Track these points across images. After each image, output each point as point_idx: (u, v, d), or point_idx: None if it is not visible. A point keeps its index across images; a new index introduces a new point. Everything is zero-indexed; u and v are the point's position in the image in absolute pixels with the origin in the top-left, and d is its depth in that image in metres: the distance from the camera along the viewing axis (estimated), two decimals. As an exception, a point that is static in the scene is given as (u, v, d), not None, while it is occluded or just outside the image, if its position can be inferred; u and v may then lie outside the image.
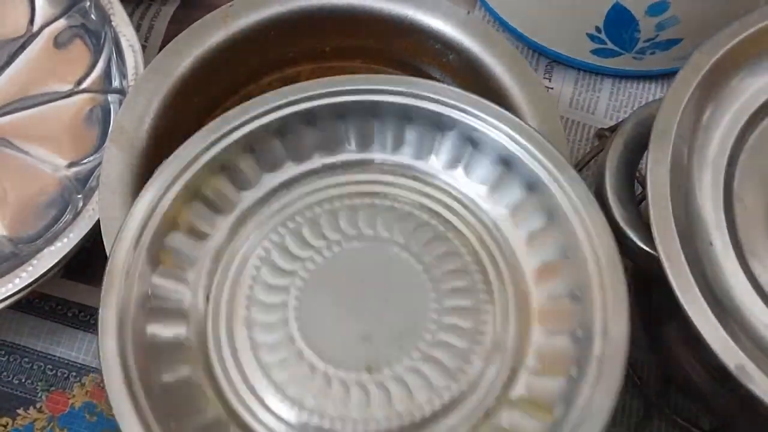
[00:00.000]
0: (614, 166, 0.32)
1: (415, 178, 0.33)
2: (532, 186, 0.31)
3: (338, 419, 0.27)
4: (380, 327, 0.29)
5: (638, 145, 0.33)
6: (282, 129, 0.32)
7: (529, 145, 0.30)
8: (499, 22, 0.48)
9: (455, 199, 0.32)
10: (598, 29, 0.43)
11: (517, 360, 0.29)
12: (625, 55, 0.44)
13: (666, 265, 0.28)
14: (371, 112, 0.32)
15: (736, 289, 0.29)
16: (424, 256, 0.30)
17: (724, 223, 0.30)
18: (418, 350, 0.28)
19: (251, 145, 0.31)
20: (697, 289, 0.27)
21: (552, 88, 0.47)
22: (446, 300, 0.29)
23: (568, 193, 0.29)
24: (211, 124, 0.31)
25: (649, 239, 0.30)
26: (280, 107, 0.31)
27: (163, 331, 0.29)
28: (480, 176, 0.32)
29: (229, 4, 0.38)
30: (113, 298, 0.28)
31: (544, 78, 0.48)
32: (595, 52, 0.45)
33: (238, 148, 0.31)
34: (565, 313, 0.29)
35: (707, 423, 0.38)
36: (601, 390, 0.26)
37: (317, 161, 0.33)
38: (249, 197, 0.32)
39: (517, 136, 0.31)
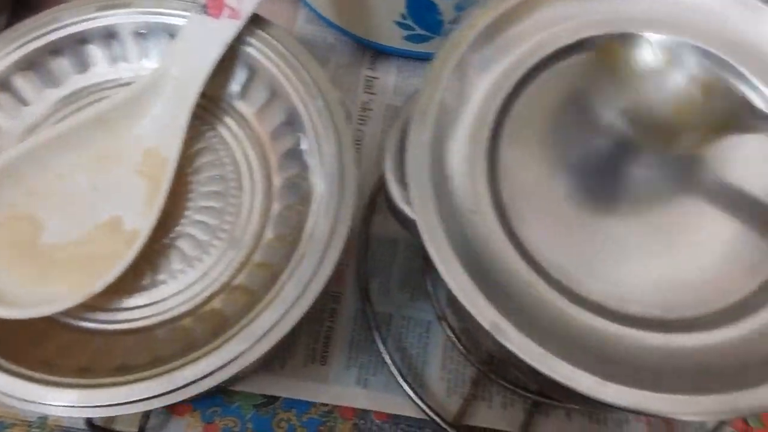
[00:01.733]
0: (393, 147, 0.33)
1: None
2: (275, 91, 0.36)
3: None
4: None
5: (417, 126, 0.34)
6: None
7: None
8: (321, 18, 0.49)
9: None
10: (403, 16, 0.44)
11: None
12: (437, 38, 0.46)
13: (425, 236, 0.29)
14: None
15: (502, 252, 0.30)
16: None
17: (488, 192, 0.31)
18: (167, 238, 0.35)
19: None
20: (452, 255, 0.28)
21: (377, 78, 0.49)
22: (201, 201, 0.36)
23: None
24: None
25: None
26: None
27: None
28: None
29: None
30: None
31: (368, 69, 0.49)
32: (408, 38, 0.46)
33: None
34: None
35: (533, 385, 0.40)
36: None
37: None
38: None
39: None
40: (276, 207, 0.35)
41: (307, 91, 0.35)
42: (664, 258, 0.31)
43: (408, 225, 0.33)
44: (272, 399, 0.41)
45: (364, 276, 0.42)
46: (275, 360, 0.41)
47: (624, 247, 0.31)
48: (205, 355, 0.31)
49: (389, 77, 0.49)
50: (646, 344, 0.29)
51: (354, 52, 0.50)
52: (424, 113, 0.31)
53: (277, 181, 0.36)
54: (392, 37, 0.46)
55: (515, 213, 0.31)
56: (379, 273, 0.44)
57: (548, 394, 0.38)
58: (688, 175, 0.32)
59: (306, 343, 0.41)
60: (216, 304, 0.33)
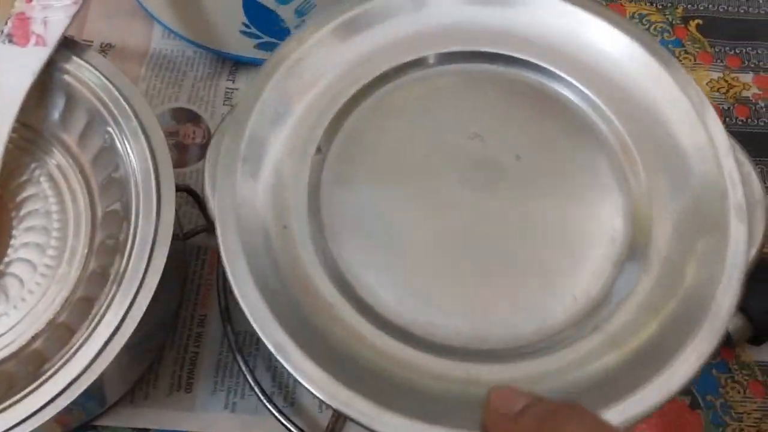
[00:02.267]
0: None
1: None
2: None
3: None
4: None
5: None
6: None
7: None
8: (174, 34, 0.47)
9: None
10: (246, 25, 0.43)
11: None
12: (288, 44, 0.44)
13: (221, 250, 0.28)
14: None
15: (310, 271, 0.29)
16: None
17: (305, 208, 0.30)
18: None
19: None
20: (247, 271, 0.28)
21: (237, 89, 0.47)
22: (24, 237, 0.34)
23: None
24: None
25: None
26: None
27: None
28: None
29: None
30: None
31: (228, 80, 0.48)
32: (259, 47, 0.45)
33: None
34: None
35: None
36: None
37: None
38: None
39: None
40: (99, 237, 0.34)
41: (121, 113, 0.33)
42: (483, 287, 0.30)
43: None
44: (142, 431, 0.39)
45: (224, 295, 0.40)
46: (138, 391, 0.39)
47: (444, 274, 0.30)
48: (24, 397, 0.29)
49: (249, 87, 0.47)
50: (448, 374, 0.27)
51: (213, 65, 0.48)
52: (239, 123, 0.30)
53: (100, 209, 0.34)
54: (243, 46, 0.45)
55: (333, 232, 0.30)
56: (247, 290, 0.42)
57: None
58: (511, 203, 0.31)
59: (170, 371, 0.40)
60: (39, 344, 0.32)
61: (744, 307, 0.39)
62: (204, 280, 0.43)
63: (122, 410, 0.39)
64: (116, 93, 0.34)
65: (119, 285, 0.30)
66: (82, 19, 0.50)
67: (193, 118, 0.46)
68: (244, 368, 0.39)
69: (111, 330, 0.30)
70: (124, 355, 0.33)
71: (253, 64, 0.47)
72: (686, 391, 0.41)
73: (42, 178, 0.35)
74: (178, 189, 0.42)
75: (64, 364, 0.30)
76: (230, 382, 0.40)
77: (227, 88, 0.47)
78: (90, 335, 0.30)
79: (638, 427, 0.40)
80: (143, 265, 0.31)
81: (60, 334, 0.32)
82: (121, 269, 0.31)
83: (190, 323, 0.41)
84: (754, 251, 0.33)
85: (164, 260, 0.31)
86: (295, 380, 0.39)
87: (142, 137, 0.33)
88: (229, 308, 0.40)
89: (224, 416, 0.39)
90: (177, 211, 0.43)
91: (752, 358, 0.42)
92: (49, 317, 0.32)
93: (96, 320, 0.30)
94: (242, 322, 0.41)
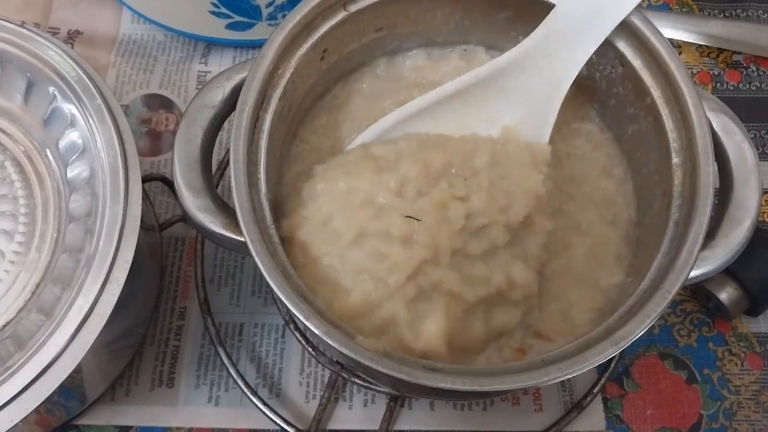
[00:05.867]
0: (182, 152, 0.31)
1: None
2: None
3: None
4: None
5: (209, 126, 0.32)
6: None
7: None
8: (144, 18, 0.45)
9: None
10: (215, 5, 0.41)
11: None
12: (260, 23, 0.43)
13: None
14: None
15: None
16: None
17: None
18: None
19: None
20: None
21: (210, 72, 0.46)
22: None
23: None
24: None
25: (229, 224, 0.30)
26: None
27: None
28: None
29: None
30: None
31: (201, 63, 0.46)
32: (229, 27, 0.43)
33: None
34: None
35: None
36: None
37: None
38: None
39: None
40: (68, 221, 0.32)
41: (84, 92, 0.32)
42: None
43: (207, 234, 0.30)
44: (125, 429, 0.38)
45: (202, 286, 0.39)
46: (119, 388, 0.38)
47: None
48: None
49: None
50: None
51: (184, 48, 0.46)
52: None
53: (68, 193, 0.33)
54: (214, 27, 0.43)
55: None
56: (228, 281, 0.41)
57: (403, 392, 0.36)
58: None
59: (151, 367, 0.39)
60: (8, 332, 0.30)
61: (740, 278, 0.38)
62: (183, 271, 0.41)
63: (103, 408, 0.38)
64: (81, 72, 0.32)
65: (89, 271, 0.29)
66: (48, 6, 0.48)
67: (165, 104, 0.45)
68: (226, 361, 0.37)
69: (78, 320, 0.29)
70: (102, 349, 0.32)
71: (226, 45, 0.45)
72: (683, 365, 0.40)
73: (7, 163, 0.34)
74: (152, 178, 0.41)
75: (36, 352, 0.28)
76: (213, 376, 0.39)
77: (200, 71, 0.46)
78: (61, 323, 0.29)
79: (636, 403, 0.39)
80: (112, 249, 0.29)
81: (31, 322, 0.30)
82: (91, 253, 0.30)
83: (170, 316, 0.40)
84: (748, 222, 0.32)
85: (133, 245, 0.30)
86: (281, 370, 0.39)
87: (108, 117, 0.31)
88: (208, 300, 0.39)
89: (208, 410, 0.38)
90: (152, 202, 0.42)
91: (749, 329, 0.41)
92: (19, 306, 0.31)
93: (65, 309, 0.29)
94: (230, 312, 0.40)
